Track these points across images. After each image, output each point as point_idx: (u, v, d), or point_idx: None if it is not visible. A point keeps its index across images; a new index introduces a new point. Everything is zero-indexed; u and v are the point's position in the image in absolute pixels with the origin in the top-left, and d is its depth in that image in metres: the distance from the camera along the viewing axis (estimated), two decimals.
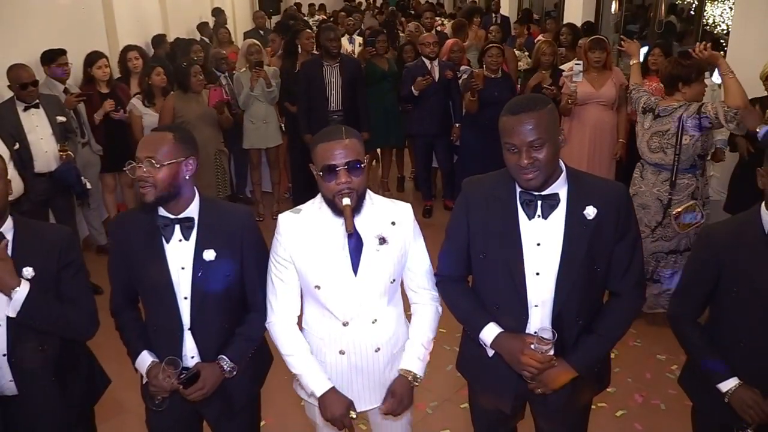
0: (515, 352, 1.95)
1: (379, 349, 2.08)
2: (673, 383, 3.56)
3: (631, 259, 1.98)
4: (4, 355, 1.99)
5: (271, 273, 2.09)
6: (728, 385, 2.03)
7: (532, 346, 1.92)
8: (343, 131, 1.94)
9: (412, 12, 14.40)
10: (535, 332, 1.95)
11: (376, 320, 2.04)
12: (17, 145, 3.95)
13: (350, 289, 1.99)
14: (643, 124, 3.77)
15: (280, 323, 2.09)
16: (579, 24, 7.30)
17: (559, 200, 1.93)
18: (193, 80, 4.81)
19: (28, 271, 1.97)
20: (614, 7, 9.23)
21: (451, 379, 3.53)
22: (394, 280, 2.06)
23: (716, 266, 2.03)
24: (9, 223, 2.02)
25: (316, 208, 2.05)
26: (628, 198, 1.99)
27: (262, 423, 3.21)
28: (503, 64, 5.49)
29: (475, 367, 2.20)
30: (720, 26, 7.11)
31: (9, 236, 2.00)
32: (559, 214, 1.94)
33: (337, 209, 1.96)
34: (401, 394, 2.02)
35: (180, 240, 2.05)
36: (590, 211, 1.91)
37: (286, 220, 2.06)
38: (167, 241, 2.04)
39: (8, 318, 1.96)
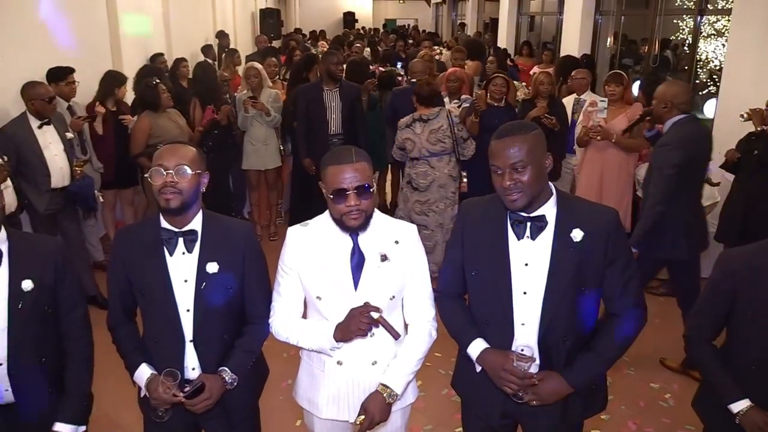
0: (496, 368, 2.01)
1: (376, 362, 2.11)
2: (666, 411, 3.59)
3: (626, 282, 2.03)
4: (1, 364, 1.99)
5: (278, 281, 2.16)
6: (740, 406, 2.06)
7: (514, 363, 1.97)
8: (353, 154, 1.98)
9: (411, 41, 14.65)
10: (517, 349, 2.00)
11: (374, 334, 2.06)
12: (6, 158, 3.91)
13: (350, 303, 2.02)
14: (414, 131, 4.85)
15: (279, 319, 2.15)
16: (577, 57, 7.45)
17: (546, 222, 2.00)
18: (163, 97, 4.87)
19: (27, 284, 1.98)
20: (609, 41, 9.41)
21: (446, 403, 3.54)
22: (393, 297, 2.09)
23: (733, 289, 2.09)
24: (3, 234, 2.03)
25: (323, 222, 2.11)
26: (618, 223, 2.03)
27: None
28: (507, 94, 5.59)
29: (467, 384, 2.24)
30: (713, 62, 7.25)
31: (4, 248, 2.00)
32: (547, 235, 2.00)
33: (345, 227, 2.02)
34: (372, 411, 2.01)
35: (183, 253, 2.08)
36: (577, 234, 1.97)
37: (294, 232, 2.13)
38: (170, 254, 2.07)
39: (9, 326, 1.97)
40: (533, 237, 2.00)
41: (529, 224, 2.00)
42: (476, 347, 2.08)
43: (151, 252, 2.06)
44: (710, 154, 3.93)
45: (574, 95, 5.63)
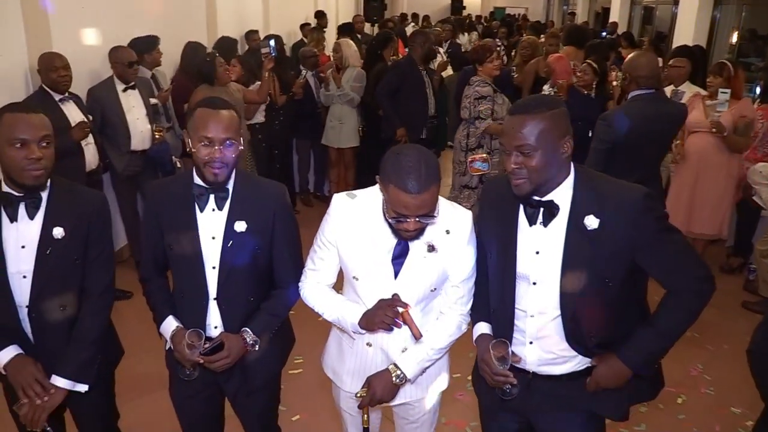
0: (478, 355, 1.94)
1: (405, 350, 1.99)
2: None
3: (673, 258, 1.79)
4: (26, 306, 2.02)
5: (314, 249, 2.07)
6: None
7: (491, 355, 1.85)
8: (422, 182, 1.71)
9: (517, 28, 14.24)
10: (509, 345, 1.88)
11: (401, 326, 1.93)
12: (91, 117, 4.10)
13: (388, 290, 1.91)
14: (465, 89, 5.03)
15: (310, 286, 2.08)
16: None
17: (558, 208, 1.78)
18: (220, 71, 4.69)
19: (58, 231, 2.00)
20: (735, 35, 8.69)
21: None
22: (435, 289, 1.96)
23: None
24: (47, 182, 2.04)
25: (373, 198, 1.95)
26: (645, 204, 1.75)
27: (295, 417, 3.20)
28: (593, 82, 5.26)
29: (478, 373, 2.07)
30: None
31: (44, 194, 2.02)
32: (560, 222, 1.79)
33: (396, 234, 1.88)
34: (375, 387, 1.93)
35: (213, 210, 2.05)
36: (591, 222, 1.74)
37: (339, 202, 1.99)
38: (201, 210, 2.04)
39: (34, 271, 1.99)
40: (545, 223, 1.80)
41: (541, 209, 1.79)
42: (476, 331, 1.97)
43: (183, 207, 2.04)
44: (659, 135, 3.54)
45: (671, 86, 5.12)
